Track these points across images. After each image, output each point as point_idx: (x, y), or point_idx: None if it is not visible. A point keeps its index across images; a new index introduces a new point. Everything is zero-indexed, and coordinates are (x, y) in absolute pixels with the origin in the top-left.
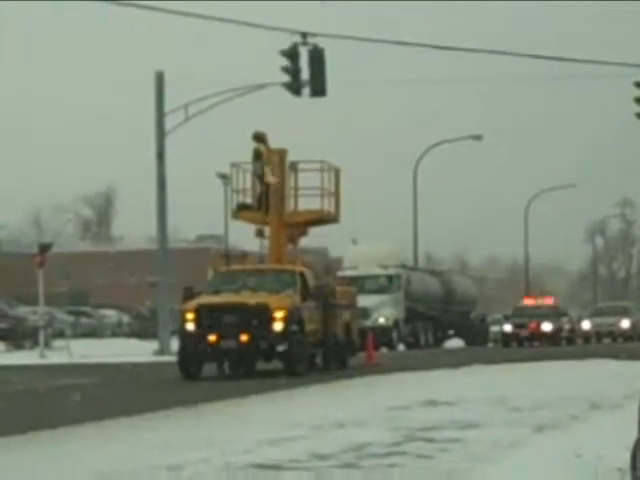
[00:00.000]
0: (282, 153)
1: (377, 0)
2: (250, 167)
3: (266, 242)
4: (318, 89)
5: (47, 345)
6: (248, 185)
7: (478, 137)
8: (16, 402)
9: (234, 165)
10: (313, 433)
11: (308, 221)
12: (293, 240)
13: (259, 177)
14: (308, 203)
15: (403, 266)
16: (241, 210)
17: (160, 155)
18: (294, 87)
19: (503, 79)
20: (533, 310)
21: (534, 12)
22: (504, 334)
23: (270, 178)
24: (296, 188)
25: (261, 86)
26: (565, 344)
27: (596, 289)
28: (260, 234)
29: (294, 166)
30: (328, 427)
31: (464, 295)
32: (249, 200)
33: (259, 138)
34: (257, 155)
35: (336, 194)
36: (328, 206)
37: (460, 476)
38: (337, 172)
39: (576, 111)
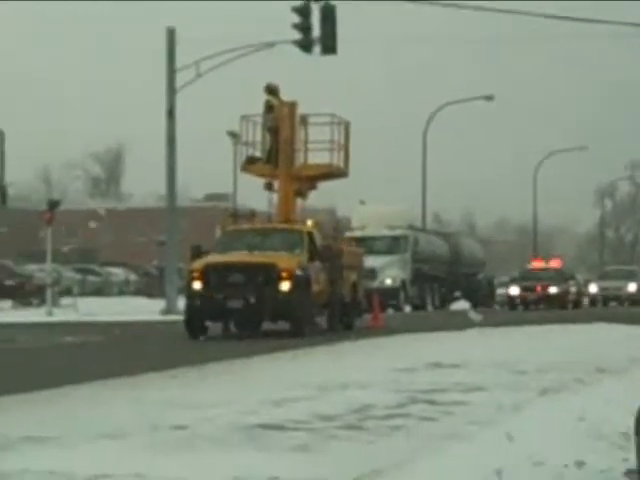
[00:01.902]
0: (292, 106)
1: None
2: (260, 120)
3: (275, 196)
4: (329, 46)
5: (54, 303)
6: (258, 138)
7: (490, 97)
8: (21, 360)
9: (244, 117)
10: (317, 394)
11: (317, 175)
12: (302, 194)
13: (269, 129)
14: (317, 157)
15: (411, 227)
16: (250, 163)
17: (170, 112)
18: (305, 44)
19: (516, 39)
20: (540, 273)
21: None
22: (510, 297)
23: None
24: (306, 141)
25: (272, 44)
26: (571, 307)
27: (603, 253)
28: (269, 187)
29: (304, 119)
30: (332, 388)
31: (471, 257)
32: (258, 153)
33: (271, 90)
34: (269, 107)
35: (346, 148)
36: (337, 160)
37: (463, 438)
38: (347, 125)
39: (588, 73)
